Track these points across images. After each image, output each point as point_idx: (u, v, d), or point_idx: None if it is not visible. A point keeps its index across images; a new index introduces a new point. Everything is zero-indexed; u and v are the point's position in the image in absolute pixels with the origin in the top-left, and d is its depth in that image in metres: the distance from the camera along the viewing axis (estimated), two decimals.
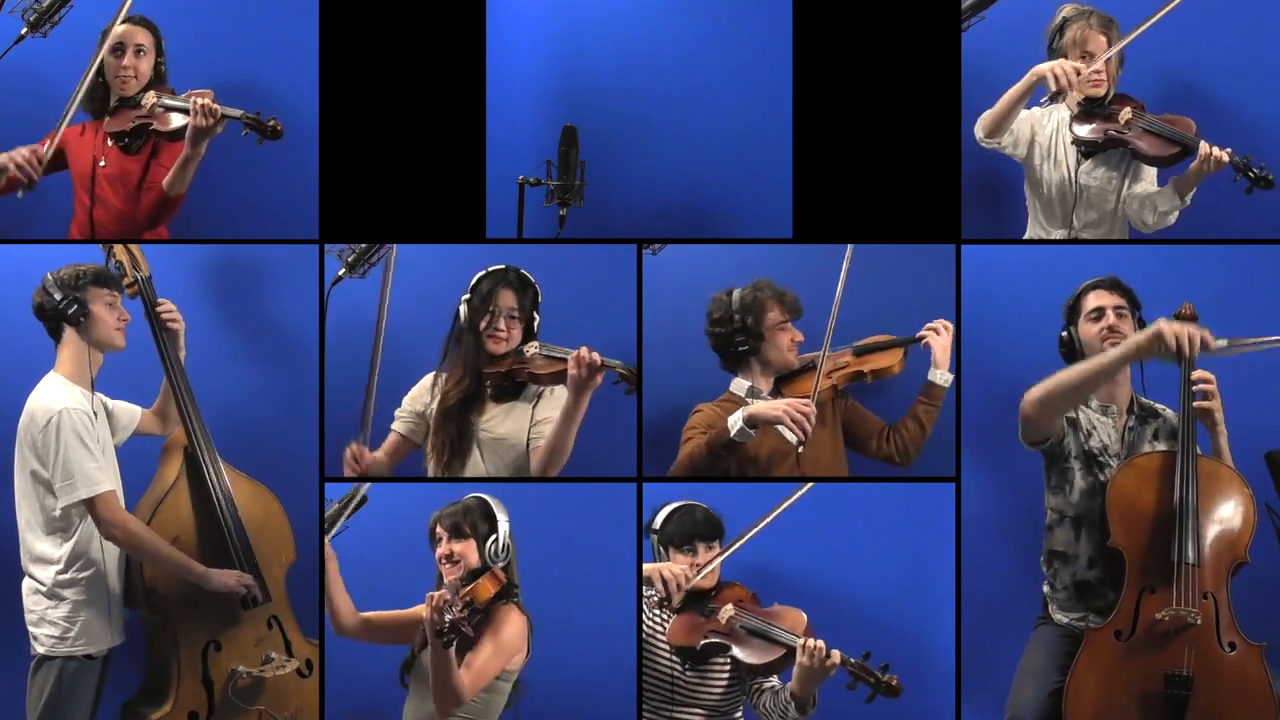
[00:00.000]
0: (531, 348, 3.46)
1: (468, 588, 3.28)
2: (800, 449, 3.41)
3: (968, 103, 3.64)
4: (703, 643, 3.35)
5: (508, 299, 3.50)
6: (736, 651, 3.34)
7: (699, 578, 3.34)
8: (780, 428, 3.39)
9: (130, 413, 3.61)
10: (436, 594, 3.17)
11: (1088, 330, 3.47)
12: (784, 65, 3.62)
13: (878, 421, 3.60)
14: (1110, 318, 3.46)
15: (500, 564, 3.35)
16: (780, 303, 3.56)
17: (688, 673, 3.42)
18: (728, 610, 3.38)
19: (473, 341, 3.52)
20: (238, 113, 3.55)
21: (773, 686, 3.40)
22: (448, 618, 3.14)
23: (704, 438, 3.47)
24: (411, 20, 3.64)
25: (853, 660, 3.23)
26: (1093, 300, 3.48)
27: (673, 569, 3.33)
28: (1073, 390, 3.31)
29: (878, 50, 3.62)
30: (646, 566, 3.38)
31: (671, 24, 3.81)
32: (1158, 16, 3.59)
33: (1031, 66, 3.68)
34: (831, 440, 3.56)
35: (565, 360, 3.35)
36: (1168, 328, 3.20)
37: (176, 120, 3.63)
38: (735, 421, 3.41)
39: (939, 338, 3.51)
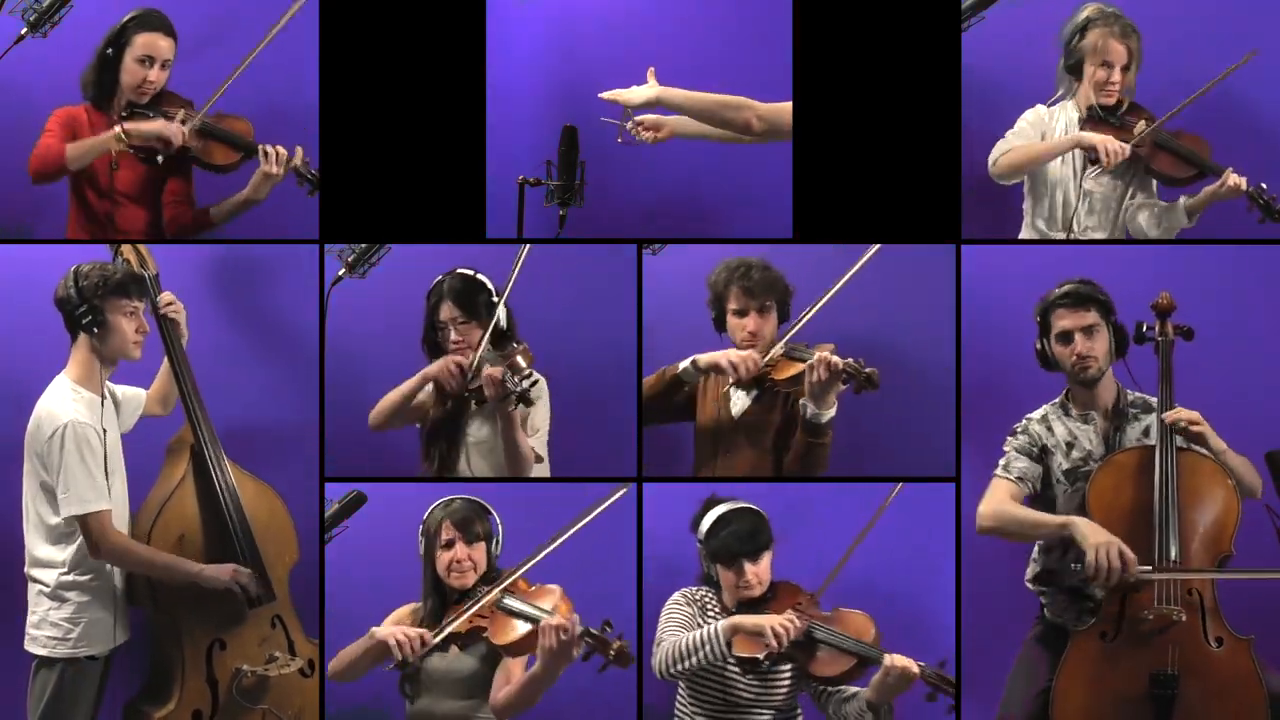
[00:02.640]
0: (480, 354, 3.46)
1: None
2: (729, 386, 3.51)
3: (968, 103, 3.62)
4: (765, 654, 3.31)
5: (447, 311, 3.52)
6: (805, 666, 3.33)
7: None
8: (721, 372, 3.50)
9: (137, 397, 3.62)
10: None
11: (1058, 352, 3.44)
12: (784, 65, 3.61)
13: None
14: (1079, 344, 3.40)
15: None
16: (742, 291, 3.53)
17: (749, 678, 3.41)
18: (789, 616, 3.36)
19: (432, 358, 3.55)
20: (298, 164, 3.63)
21: (839, 692, 3.39)
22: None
23: (659, 371, 3.57)
24: (411, 21, 3.63)
25: (931, 670, 3.23)
26: (1061, 320, 3.41)
27: (775, 621, 3.30)
28: (1019, 536, 3.40)
29: (878, 50, 3.61)
30: (750, 621, 3.32)
31: (671, 24, 3.80)
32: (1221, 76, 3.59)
33: (1031, 67, 3.72)
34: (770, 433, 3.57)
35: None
36: (1094, 552, 3.18)
37: (224, 155, 3.66)
38: (684, 362, 3.52)
39: (812, 373, 3.40)
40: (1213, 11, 3.75)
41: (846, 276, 3.50)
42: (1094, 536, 3.21)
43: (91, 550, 3.35)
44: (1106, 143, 3.59)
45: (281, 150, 3.61)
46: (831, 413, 3.44)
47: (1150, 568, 3.23)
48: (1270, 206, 3.57)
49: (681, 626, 3.41)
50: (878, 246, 3.51)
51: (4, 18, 3.67)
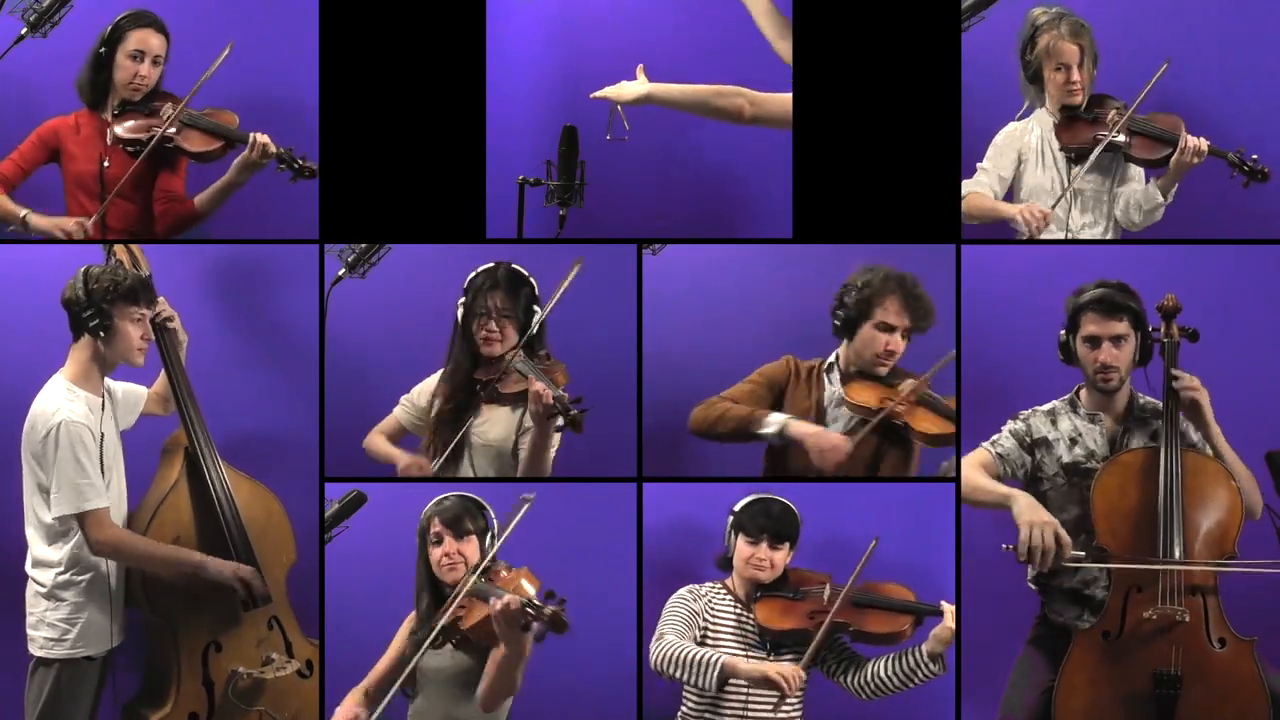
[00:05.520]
0: (514, 357, 3.45)
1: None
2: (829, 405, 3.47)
3: (968, 103, 3.63)
4: (820, 624, 3.33)
5: (496, 299, 3.50)
6: (859, 627, 3.35)
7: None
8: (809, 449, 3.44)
9: (136, 394, 3.61)
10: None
11: (1084, 354, 3.42)
12: (784, 65, 3.61)
13: None
14: (1105, 353, 3.38)
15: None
16: (900, 304, 3.47)
17: (780, 657, 3.39)
18: (825, 590, 3.39)
19: (465, 346, 3.54)
20: (279, 151, 3.62)
21: (875, 656, 3.39)
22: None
23: (740, 411, 3.50)
24: (411, 20, 3.64)
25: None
26: (1090, 325, 3.39)
27: (778, 670, 3.27)
28: (969, 501, 3.42)
29: (878, 50, 3.62)
30: (762, 668, 3.29)
31: (671, 25, 3.81)
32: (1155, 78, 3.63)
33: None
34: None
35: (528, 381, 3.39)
36: (1027, 530, 3.21)
37: (202, 142, 3.66)
38: (772, 423, 3.45)
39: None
40: None
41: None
42: (1029, 514, 3.23)
43: (90, 547, 3.34)
44: (1025, 212, 3.61)
45: (267, 141, 3.60)
46: None
47: (1084, 554, 3.24)
48: (1254, 170, 3.59)
49: (684, 623, 3.41)
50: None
51: (4, 18, 3.67)
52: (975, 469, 3.42)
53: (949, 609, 3.30)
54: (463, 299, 3.54)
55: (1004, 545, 3.25)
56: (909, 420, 3.46)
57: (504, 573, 3.39)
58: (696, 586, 3.50)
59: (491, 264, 3.54)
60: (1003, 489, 3.34)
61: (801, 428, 3.46)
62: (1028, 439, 3.46)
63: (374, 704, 3.42)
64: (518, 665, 3.26)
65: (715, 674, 3.27)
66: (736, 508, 3.47)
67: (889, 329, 3.49)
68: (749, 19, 3.69)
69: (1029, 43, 3.68)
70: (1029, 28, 3.67)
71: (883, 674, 3.36)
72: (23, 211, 3.66)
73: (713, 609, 3.47)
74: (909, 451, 3.54)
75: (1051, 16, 3.65)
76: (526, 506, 3.39)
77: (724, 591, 3.49)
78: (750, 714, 3.38)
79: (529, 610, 3.17)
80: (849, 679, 3.42)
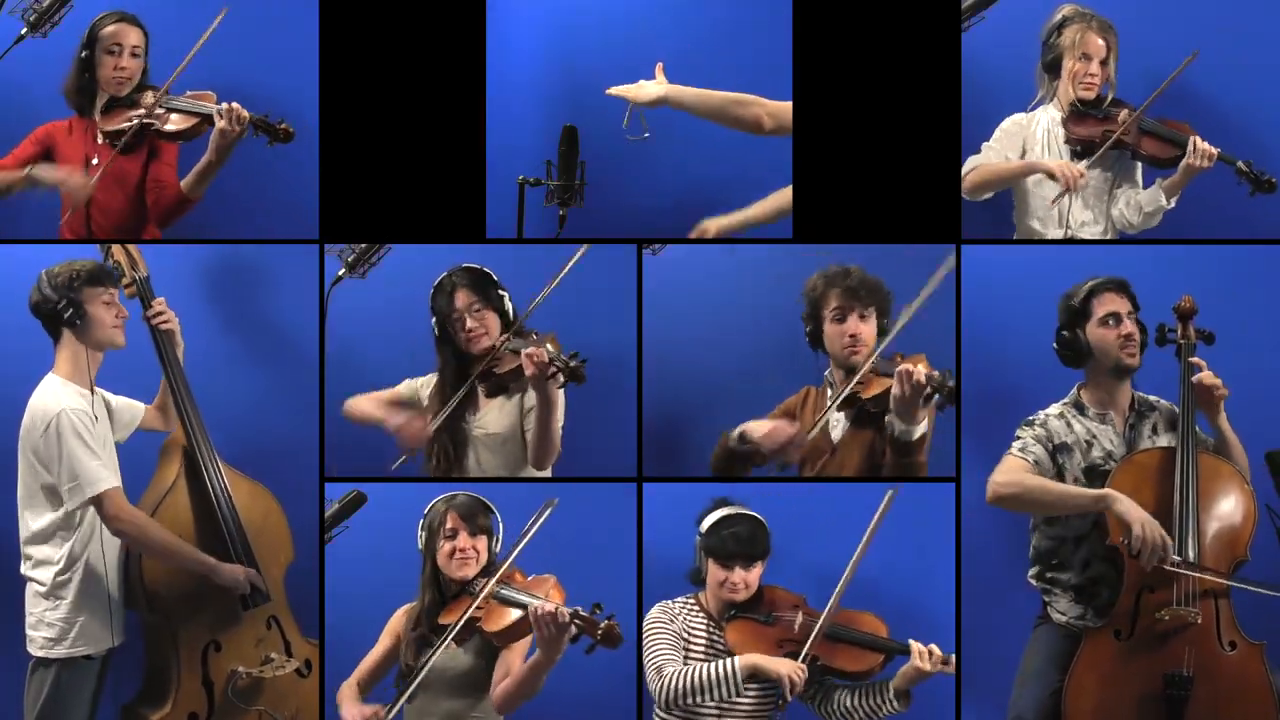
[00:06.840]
0: (504, 343, 3.47)
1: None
2: (779, 467, 3.40)
3: (968, 103, 3.64)
4: (787, 653, 3.29)
5: (463, 298, 3.52)
6: (828, 662, 3.31)
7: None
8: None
9: (133, 409, 3.61)
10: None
11: (1102, 335, 3.43)
12: (784, 65, 3.62)
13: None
14: (1127, 325, 3.41)
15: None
16: (844, 292, 3.42)
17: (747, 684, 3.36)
18: (798, 618, 3.36)
19: (451, 354, 3.55)
20: (254, 117, 3.60)
21: (844, 686, 3.36)
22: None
23: (723, 439, 3.47)
24: (411, 20, 3.64)
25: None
26: (1107, 304, 3.42)
27: (792, 670, 3.23)
28: (1040, 506, 3.37)
29: (878, 50, 3.62)
30: (778, 667, 3.25)
31: (672, 24, 3.81)
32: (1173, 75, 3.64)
33: (1031, 67, 3.74)
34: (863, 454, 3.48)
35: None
36: (1140, 526, 3.19)
37: (179, 121, 3.65)
38: (735, 433, 3.42)
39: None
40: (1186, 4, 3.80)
41: (933, 284, 3.39)
42: (1137, 511, 3.23)
43: (111, 529, 3.35)
44: (1063, 168, 3.61)
45: (237, 108, 3.58)
46: (921, 429, 3.30)
47: (1180, 559, 3.23)
48: (1259, 179, 3.61)
49: (670, 648, 3.38)
50: (951, 259, 3.43)
51: (4, 18, 3.67)
52: (1031, 475, 3.36)
53: (917, 648, 3.24)
54: (433, 318, 3.56)
55: (1117, 540, 3.25)
56: (862, 394, 3.39)
57: (518, 576, 3.38)
58: (669, 604, 3.47)
59: (442, 276, 3.55)
60: (1094, 491, 3.31)
61: (755, 427, 3.42)
62: (1050, 444, 3.44)
63: (364, 694, 3.41)
64: (547, 671, 3.24)
65: (739, 678, 3.25)
66: (703, 528, 3.42)
67: (841, 319, 3.45)
68: (748, 21, 3.71)
69: (1055, 30, 3.68)
70: (1057, 18, 3.68)
71: (849, 704, 3.34)
72: (25, 169, 3.64)
73: (688, 628, 3.44)
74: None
75: (1082, 12, 3.67)
76: (550, 510, 3.38)
77: (697, 608, 3.46)
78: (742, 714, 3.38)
79: (578, 622, 3.16)
80: (818, 705, 3.40)
